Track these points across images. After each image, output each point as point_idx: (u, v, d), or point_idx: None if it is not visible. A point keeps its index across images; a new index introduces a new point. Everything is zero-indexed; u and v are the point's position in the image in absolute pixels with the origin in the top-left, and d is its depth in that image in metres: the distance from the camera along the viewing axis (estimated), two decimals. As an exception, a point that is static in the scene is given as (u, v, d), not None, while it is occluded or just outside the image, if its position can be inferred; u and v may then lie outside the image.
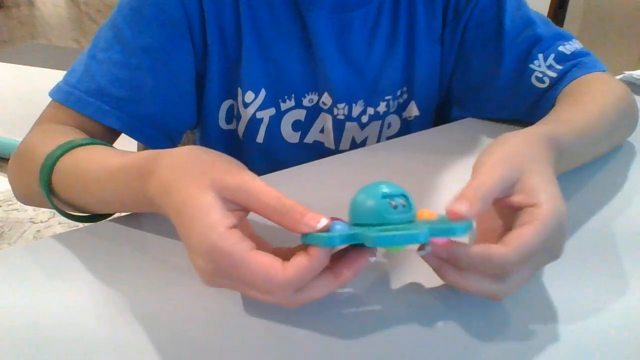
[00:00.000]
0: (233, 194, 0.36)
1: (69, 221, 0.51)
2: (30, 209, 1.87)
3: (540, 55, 0.65)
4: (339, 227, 0.36)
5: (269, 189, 0.36)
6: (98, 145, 0.51)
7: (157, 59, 0.59)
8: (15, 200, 1.93)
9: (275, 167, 0.59)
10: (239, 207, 0.37)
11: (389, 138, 0.74)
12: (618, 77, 0.88)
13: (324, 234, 0.35)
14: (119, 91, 0.57)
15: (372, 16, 0.66)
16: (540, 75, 0.65)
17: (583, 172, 0.58)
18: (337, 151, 0.72)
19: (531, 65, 0.65)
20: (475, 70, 0.70)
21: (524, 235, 0.36)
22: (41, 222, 1.81)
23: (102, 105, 0.57)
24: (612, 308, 0.41)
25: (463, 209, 0.36)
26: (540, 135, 0.45)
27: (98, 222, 0.51)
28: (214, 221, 0.35)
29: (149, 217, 0.51)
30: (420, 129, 0.73)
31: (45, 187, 0.49)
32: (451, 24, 0.68)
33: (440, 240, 0.37)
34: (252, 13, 0.62)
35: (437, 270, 0.39)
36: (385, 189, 0.37)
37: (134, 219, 0.51)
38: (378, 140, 0.73)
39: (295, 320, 0.39)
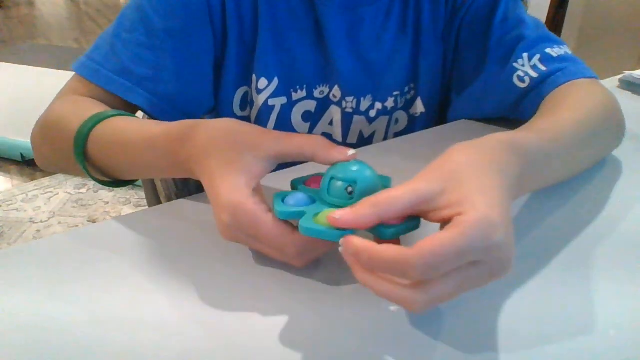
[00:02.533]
0: (270, 147, 0.42)
1: (69, 221, 0.52)
2: (30, 208, 1.88)
3: (525, 55, 0.64)
4: (300, 197, 0.41)
5: (296, 134, 0.43)
6: (130, 117, 0.55)
7: (179, 42, 0.62)
8: (15, 200, 1.93)
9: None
10: (271, 163, 0.42)
11: (396, 134, 0.75)
12: (618, 77, 0.88)
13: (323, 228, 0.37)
14: (141, 70, 0.60)
15: (382, 13, 0.68)
16: (521, 74, 0.64)
17: (580, 177, 0.58)
18: (344, 144, 0.73)
19: (514, 64, 0.64)
20: (465, 67, 0.71)
21: (435, 240, 0.32)
22: (41, 222, 1.81)
23: (125, 82, 0.60)
24: (612, 309, 0.41)
25: (343, 218, 0.35)
26: (499, 142, 0.42)
27: (98, 222, 0.51)
28: (242, 182, 0.40)
29: (149, 217, 0.51)
30: (425, 126, 0.74)
31: (79, 152, 0.52)
32: (448, 23, 0.70)
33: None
34: (269, 3, 0.64)
35: (351, 267, 0.35)
36: (341, 173, 0.40)
37: (134, 219, 0.51)
38: (385, 136, 0.74)
39: (294, 316, 0.39)
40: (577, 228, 0.50)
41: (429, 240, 0.32)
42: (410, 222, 0.38)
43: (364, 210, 0.35)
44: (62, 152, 0.55)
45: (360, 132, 0.73)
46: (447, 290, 0.33)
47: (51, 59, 3.27)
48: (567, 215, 0.52)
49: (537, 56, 0.63)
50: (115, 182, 0.56)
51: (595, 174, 0.58)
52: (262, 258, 0.45)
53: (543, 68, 0.63)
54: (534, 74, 0.63)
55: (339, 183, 0.40)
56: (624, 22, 2.49)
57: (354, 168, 0.41)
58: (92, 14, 4.47)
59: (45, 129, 0.59)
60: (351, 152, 0.41)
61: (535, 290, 0.42)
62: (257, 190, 0.42)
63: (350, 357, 0.36)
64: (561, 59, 0.63)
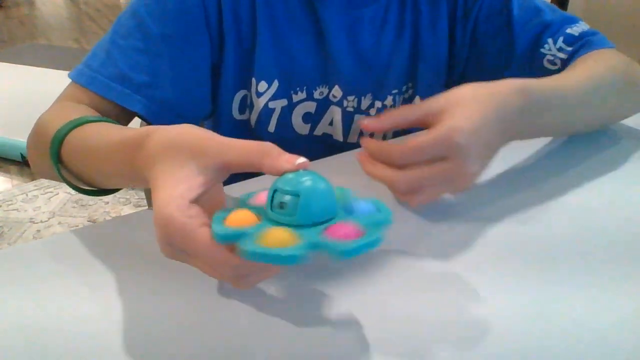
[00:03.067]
0: (215, 155, 0.37)
1: (69, 221, 0.52)
2: (30, 208, 1.88)
3: (550, 40, 0.68)
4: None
5: (245, 140, 0.38)
6: (107, 123, 0.53)
7: (176, 47, 0.62)
8: (15, 200, 1.93)
9: None
10: (218, 173, 0.38)
11: (395, 132, 0.75)
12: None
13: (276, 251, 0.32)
14: (139, 76, 0.60)
15: (380, 14, 0.68)
16: (551, 58, 0.68)
17: (583, 177, 0.58)
18: (345, 143, 0.74)
19: (542, 50, 0.68)
20: (489, 61, 0.72)
21: (416, 137, 0.46)
22: (41, 222, 1.81)
23: (124, 89, 0.59)
24: (611, 309, 0.41)
25: (369, 125, 0.50)
26: (506, 82, 0.51)
27: (98, 222, 0.51)
28: (177, 193, 0.36)
29: (150, 217, 0.51)
30: None
31: (54, 158, 0.51)
32: (462, 21, 0.71)
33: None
34: (268, 6, 0.65)
35: (361, 162, 0.49)
36: (286, 185, 0.35)
37: (134, 219, 0.51)
38: (384, 134, 0.75)
39: (290, 318, 0.39)
40: (578, 227, 0.50)
41: (411, 137, 0.46)
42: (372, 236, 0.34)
43: (384, 119, 0.50)
44: (45, 157, 0.53)
45: (361, 131, 0.73)
46: (420, 174, 0.45)
47: (51, 59, 3.27)
48: (568, 215, 0.52)
49: (561, 38, 0.67)
50: (95, 191, 0.53)
51: (598, 172, 0.58)
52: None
53: (569, 48, 0.67)
54: (563, 55, 0.67)
55: (282, 196, 0.35)
56: (624, 22, 2.49)
57: (303, 179, 0.35)
58: (92, 14, 4.46)
59: (33, 134, 0.58)
60: (300, 160, 0.36)
61: (534, 290, 0.42)
62: (205, 202, 0.38)
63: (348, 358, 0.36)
64: (582, 35, 0.68)
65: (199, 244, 0.34)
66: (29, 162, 0.61)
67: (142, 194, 1.95)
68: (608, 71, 0.62)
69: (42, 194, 1.96)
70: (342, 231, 0.34)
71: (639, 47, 2.39)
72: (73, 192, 2.10)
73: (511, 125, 0.50)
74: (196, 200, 0.36)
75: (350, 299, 0.41)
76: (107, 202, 1.91)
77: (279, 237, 0.33)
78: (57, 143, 0.50)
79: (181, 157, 0.38)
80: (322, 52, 0.68)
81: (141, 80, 0.60)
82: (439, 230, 0.49)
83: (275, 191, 0.35)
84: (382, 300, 0.41)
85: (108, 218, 1.81)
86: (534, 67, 0.69)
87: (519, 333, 0.38)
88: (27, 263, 0.45)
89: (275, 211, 0.35)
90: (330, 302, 0.41)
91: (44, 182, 2.04)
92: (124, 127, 0.50)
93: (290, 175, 0.35)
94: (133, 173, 0.43)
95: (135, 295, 0.41)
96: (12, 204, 1.91)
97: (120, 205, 1.89)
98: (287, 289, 0.42)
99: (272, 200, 0.35)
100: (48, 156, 0.52)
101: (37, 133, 0.57)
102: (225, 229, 0.34)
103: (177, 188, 0.36)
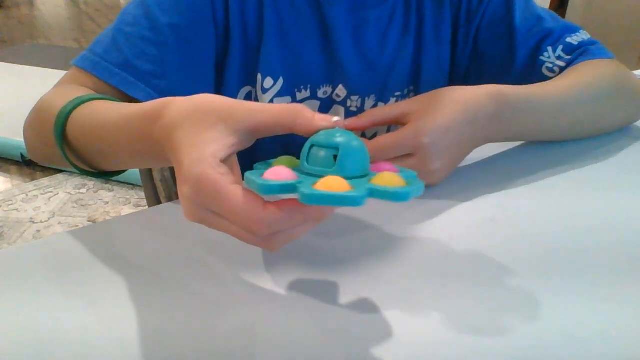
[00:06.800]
0: (244, 118, 0.37)
1: (69, 221, 0.52)
2: (30, 209, 1.88)
3: (550, 48, 0.69)
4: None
5: (273, 104, 0.40)
6: (113, 100, 0.53)
7: (182, 38, 0.62)
8: (15, 200, 1.93)
9: (287, 155, 0.60)
10: (246, 137, 0.38)
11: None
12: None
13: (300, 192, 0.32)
14: (144, 65, 0.60)
15: (385, 16, 0.69)
16: (550, 65, 0.69)
17: (583, 177, 0.58)
18: None
19: (541, 57, 0.69)
20: (490, 66, 0.73)
21: (383, 137, 0.51)
22: (41, 222, 1.81)
23: (128, 76, 0.59)
24: (612, 309, 0.41)
25: (351, 124, 0.53)
26: (485, 88, 0.54)
27: (98, 223, 0.51)
28: (208, 152, 0.36)
29: (149, 217, 0.51)
30: None
31: (58, 136, 0.50)
32: (464, 27, 0.72)
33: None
34: (274, 4, 0.65)
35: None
36: (322, 140, 0.36)
37: (134, 219, 0.51)
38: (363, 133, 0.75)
39: (290, 317, 0.39)
40: (577, 227, 0.50)
41: (381, 136, 0.51)
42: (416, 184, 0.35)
43: (363, 118, 0.54)
44: (46, 138, 0.53)
45: (363, 132, 0.73)
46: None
47: (51, 59, 3.28)
48: (567, 215, 0.52)
49: (560, 47, 0.69)
50: (98, 173, 0.53)
51: (598, 172, 0.59)
52: (264, 258, 0.45)
53: (567, 57, 0.68)
54: (562, 64, 0.68)
55: (320, 150, 0.36)
56: (624, 22, 2.49)
57: (339, 134, 0.36)
58: (92, 14, 4.47)
59: (34, 114, 0.58)
60: (335, 118, 0.38)
61: (535, 290, 0.42)
62: (231, 164, 0.38)
63: None
64: (581, 44, 0.69)
65: (233, 202, 0.34)
66: (27, 147, 0.60)
67: (142, 194, 1.95)
68: (596, 80, 0.63)
69: (42, 194, 1.96)
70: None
71: (637, 51, 2.40)
72: (73, 192, 2.10)
73: (482, 129, 0.54)
74: (224, 161, 0.36)
75: (351, 297, 0.41)
76: (107, 202, 1.91)
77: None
78: (63, 119, 0.50)
79: (209, 120, 0.37)
80: (327, 51, 0.68)
81: (146, 68, 0.60)
82: (438, 231, 0.49)
83: (312, 146, 0.36)
84: (381, 300, 0.41)
85: (108, 218, 1.81)
86: (533, 74, 0.70)
87: (519, 333, 0.38)
88: (27, 263, 0.45)
89: (312, 165, 0.36)
90: (331, 300, 0.41)
91: (44, 182, 2.04)
92: (140, 103, 0.48)
93: (325, 132, 0.37)
94: (150, 146, 0.42)
95: (136, 296, 0.41)
96: (12, 204, 1.91)
97: (120, 205, 1.90)
98: (287, 288, 0.42)
99: (308, 155, 0.36)
100: (50, 136, 0.51)
101: (38, 112, 0.57)
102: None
103: (208, 147, 0.36)
